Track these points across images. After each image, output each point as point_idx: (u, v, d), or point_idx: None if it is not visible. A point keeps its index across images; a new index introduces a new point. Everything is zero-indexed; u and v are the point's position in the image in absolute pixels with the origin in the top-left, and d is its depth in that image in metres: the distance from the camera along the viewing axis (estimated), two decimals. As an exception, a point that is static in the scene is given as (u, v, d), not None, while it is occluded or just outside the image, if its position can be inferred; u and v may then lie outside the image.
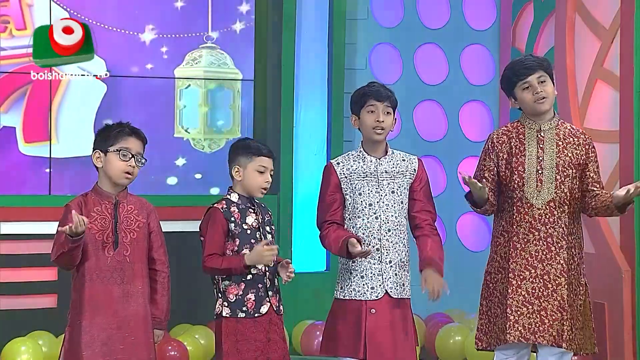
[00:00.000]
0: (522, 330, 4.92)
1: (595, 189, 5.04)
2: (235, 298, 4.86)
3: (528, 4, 7.67)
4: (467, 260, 7.83)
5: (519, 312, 4.93)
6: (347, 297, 4.93)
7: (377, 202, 4.95)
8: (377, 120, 4.91)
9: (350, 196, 4.96)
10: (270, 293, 4.89)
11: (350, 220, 4.96)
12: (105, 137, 4.72)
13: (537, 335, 4.93)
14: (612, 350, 6.35)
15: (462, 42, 8.08)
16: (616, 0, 6.44)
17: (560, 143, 5.04)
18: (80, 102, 7.18)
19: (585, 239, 6.36)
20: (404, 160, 5.04)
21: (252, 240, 4.89)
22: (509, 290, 4.95)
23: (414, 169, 5.05)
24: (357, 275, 4.93)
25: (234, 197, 4.94)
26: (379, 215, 4.93)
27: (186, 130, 7.51)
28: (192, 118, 7.54)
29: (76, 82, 7.15)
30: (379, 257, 4.93)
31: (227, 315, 4.86)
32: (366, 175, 4.96)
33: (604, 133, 6.58)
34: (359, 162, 4.97)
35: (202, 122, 7.56)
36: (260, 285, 4.87)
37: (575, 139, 5.07)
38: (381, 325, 4.88)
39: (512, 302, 4.94)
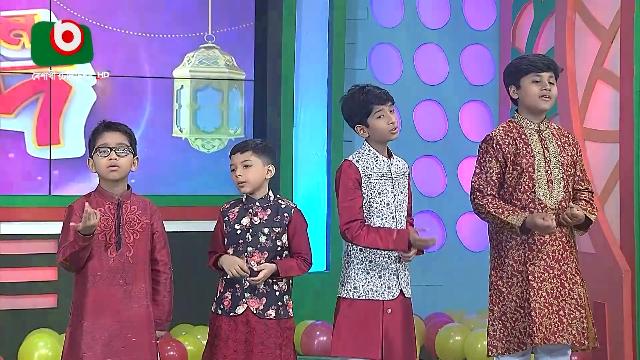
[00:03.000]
0: (545, 332, 4.90)
1: (580, 187, 5.07)
2: (218, 295, 4.93)
3: (528, 4, 7.67)
4: (467, 260, 7.83)
5: (542, 314, 4.90)
6: (364, 297, 4.90)
7: (393, 202, 4.94)
8: (391, 122, 4.91)
9: (368, 195, 4.93)
10: (247, 295, 4.87)
11: (366, 219, 4.93)
12: (89, 142, 4.74)
13: (556, 336, 4.89)
14: (612, 350, 6.35)
15: (462, 42, 8.08)
16: (616, 0, 6.44)
17: (559, 142, 5.04)
18: (84, 105, 7.21)
19: (585, 239, 6.39)
20: (399, 161, 5.05)
21: (240, 241, 4.90)
22: (531, 293, 4.90)
23: (408, 170, 5.08)
24: (375, 275, 4.90)
25: (244, 198, 4.99)
26: (395, 215, 4.93)
27: (186, 130, 7.51)
28: (191, 118, 7.53)
29: (83, 87, 7.17)
30: (395, 256, 4.92)
31: (213, 311, 4.95)
32: (383, 175, 4.95)
33: (604, 133, 6.58)
34: (374, 162, 4.96)
35: (201, 122, 7.56)
36: (237, 286, 4.88)
37: (566, 138, 5.09)
38: (396, 325, 4.88)
39: (536, 305, 4.89)
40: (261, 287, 4.88)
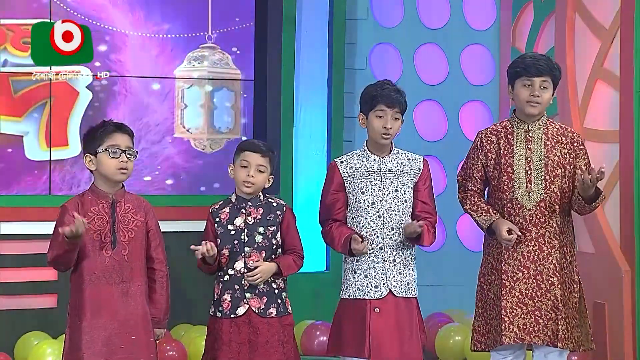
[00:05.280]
0: (517, 331, 4.93)
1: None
2: (216, 297, 4.90)
3: (528, 4, 7.67)
4: (467, 260, 7.81)
5: (513, 314, 4.94)
6: (352, 297, 4.93)
7: (380, 200, 4.94)
8: (385, 127, 4.91)
9: (353, 195, 4.95)
10: (248, 295, 4.86)
11: (353, 219, 4.96)
12: (91, 139, 4.70)
13: (532, 336, 4.94)
14: (612, 350, 6.34)
15: (462, 42, 8.08)
16: (616, 0, 6.44)
17: (549, 143, 5.04)
18: (84, 106, 7.23)
19: (585, 239, 6.39)
20: (408, 159, 5.04)
21: (235, 242, 4.88)
22: (503, 292, 4.95)
23: (419, 169, 5.03)
24: (361, 274, 4.92)
25: (233, 198, 4.95)
26: (382, 214, 4.93)
27: (187, 131, 7.51)
28: (192, 118, 7.53)
29: (85, 88, 7.20)
30: (382, 255, 4.92)
31: (211, 314, 4.92)
32: (369, 173, 4.95)
33: (604, 133, 6.57)
34: (362, 161, 4.97)
35: (201, 122, 7.56)
36: (236, 287, 4.86)
37: (564, 138, 5.07)
38: (386, 325, 4.88)
39: (507, 304, 4.94)
40: (261, 286, 4.88)
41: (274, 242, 4.95)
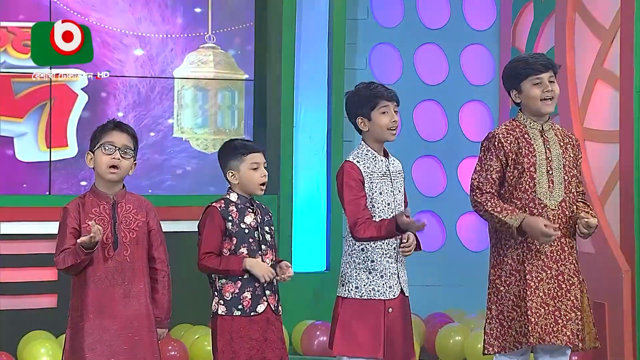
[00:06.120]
0: (541, 332, 4.90)
1: (578, 189, 5.07)
2: (231, 296, 4.86)
3: (528, 4, 7.68)
4: (467, 260, 7.83)
5: (538, 314, 4.90)
6: (366, 297, 4.90)
7: (393, 201, 4.95)
8: (393, 121, 4.91)
9: (369, 195, 4.93)
10: (267, 292, 4.87)
11: None
12: (92, 137, 4.69)
13: (551, 336, 4.89)
14: (612, 350, 6.35)
15: (462, 42, 8.09)
16: (616, 0, 6.45)
17: (562, 143, 5.03)
18: (85, 106, 7.25)
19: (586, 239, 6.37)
20: (395, 160, 5.06)
21: (250, 240, 4.88)
22: (528, 292, 4.89)
23: (402, 170, 5.08)
24: (376, 274, 4.91)
25: (233, 197, 4.93)
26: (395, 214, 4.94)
27: (186, 131, 7.51)
28: (192, 118, 7.54)
29: (84, 88, 7.22)
30: (395, 256, 4.93)
31: (223, 314, 4.85)
32: (383, 175, 4.95)
33: (604, 133, 6.58)
34: (373, 162, 4.96)
35: (201, 122, 7.57)
36: (257, 284, 4.85)
37: (569, 140, 5.07)
38: (397, 324, 4.90)
39: (532, 304, 4.88)
40: (274, 283, 4.91)
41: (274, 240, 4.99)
